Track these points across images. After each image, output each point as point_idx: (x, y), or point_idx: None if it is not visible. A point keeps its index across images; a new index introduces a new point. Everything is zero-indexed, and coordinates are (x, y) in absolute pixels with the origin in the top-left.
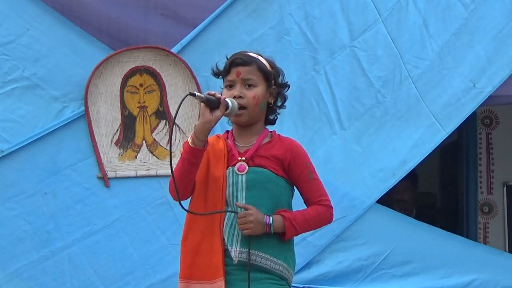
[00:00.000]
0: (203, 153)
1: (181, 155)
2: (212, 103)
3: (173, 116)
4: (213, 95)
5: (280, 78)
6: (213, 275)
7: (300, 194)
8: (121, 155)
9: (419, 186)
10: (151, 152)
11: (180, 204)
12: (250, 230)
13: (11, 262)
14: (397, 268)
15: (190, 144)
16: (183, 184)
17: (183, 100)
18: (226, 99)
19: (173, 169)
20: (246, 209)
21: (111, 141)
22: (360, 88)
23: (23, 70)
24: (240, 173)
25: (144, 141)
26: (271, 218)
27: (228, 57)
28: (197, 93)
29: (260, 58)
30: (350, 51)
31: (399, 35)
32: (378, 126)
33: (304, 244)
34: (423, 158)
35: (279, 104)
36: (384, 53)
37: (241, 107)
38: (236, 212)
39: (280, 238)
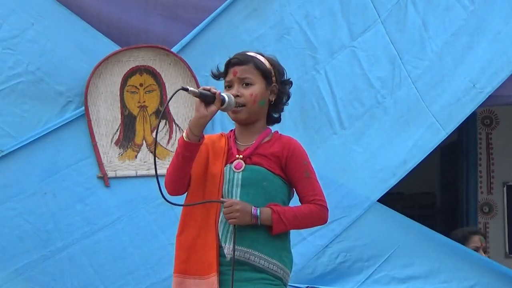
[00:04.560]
0: (198, 148)
1: (176, 149)
2: (207, 98)
3: (165, 106)
4: (208, 90)
5: (282, 76)
6: (207, 271)
7: (296, 192)
8: (121, 154)
9: (419, 186)
10: (151, 152)
11: (163, 196)
12: (236, 220)
13: (11, 262)
14: (398, 271)
15: (185, 139)
16: (178, 178)
17: (174, 93)
18: (222, 94)
19: (168, 164)
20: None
21: (111, 141)
22: (360, 88)
23: (28, 65)
24: (236, 170)
25: (144, 141)
26: (258, 209)
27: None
28: (190, 88)
29: (258, 56)
30: (350, 51)
31: (398, 35)
32: (378, 126)
33: (305, 244)
34: (423, 158)
35: (283, 101)
36: (384, 54)
37: (240, 105)
38: (222, 202)
39: (275, 237)
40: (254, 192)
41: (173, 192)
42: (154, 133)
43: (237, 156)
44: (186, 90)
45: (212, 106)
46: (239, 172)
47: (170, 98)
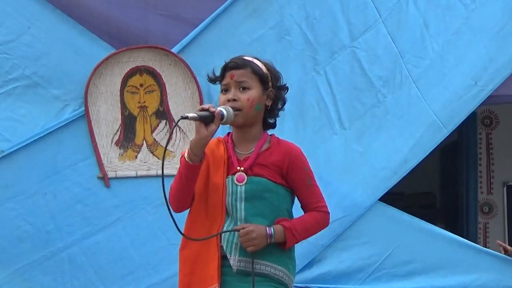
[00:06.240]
0: (199, 168)
1: (179, 169)
2: (207, 119)
3: (170, 132)
4: (207, 110)
5: (278, 81)
6: (209, 282)
7: (298, 199)
8: (121, 155)
9: (419, 186)
10: (152, 152)
11: (175, 223)
12: (254, 247)
13: (11, 262)
14: (399, 268)
15: (187, 160)
16: (182, 196)
17: (176, 124)
18: (220, 110)
19: (171, 182)
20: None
21: (111, 141)
22: (361, 88)
23: (24, 69)
24: (239, 183)
25: (144, 141)
26: (272, 229)
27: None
28: (190, 115)
29: (255, 61)
30: (350, 51)
31: (399, 35)
32: (378, 125)
33: (305, 244)
34: (424, 156)
35: (278, 107)
36: (385, 53)
37: (236, 110)
38: (236, 231)
39: (280, 247)
40: (258, 204)
41: (178, 210)
42: (153, 135)
43: (238, 168)
44: (186, 118)
45: (212, 126)
46: (241, 185)
47: (173, 128)
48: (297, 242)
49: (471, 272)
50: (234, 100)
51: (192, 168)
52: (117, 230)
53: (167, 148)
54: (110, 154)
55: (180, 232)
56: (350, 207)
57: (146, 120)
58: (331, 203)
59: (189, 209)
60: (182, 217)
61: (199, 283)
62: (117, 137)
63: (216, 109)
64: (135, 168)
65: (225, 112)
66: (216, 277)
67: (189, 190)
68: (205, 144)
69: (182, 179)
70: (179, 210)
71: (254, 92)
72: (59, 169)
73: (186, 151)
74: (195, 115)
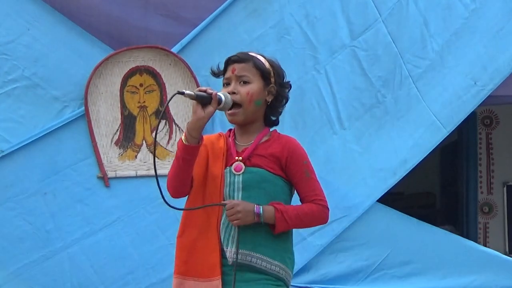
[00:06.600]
0: (198, 150)
1: (176, 153)
2: (204, 99)
3: (163, 109)
4: (205, 91)
5: (281, 78)
6: (210, 274)
7: (297, 192)
8: (121, 155)
9: (419, 186)
10: (151, 152)
11: (165, 201)
12: (239, 221)
13: (11, 262)
14: (397, 269)
15: (184, 142)
16: (181, 181)
17: (171, 98)
18: (218, 94)
19: (170, 167)
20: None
21: (111, 141)
22: (360, 88)
23: (24, 70)
24: (236, 173)
25: (144, 141)
26: (261, 207)
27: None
28: (186, 91)
29: (258, 56)
30: (350, 50)
31: (399, 34)
32: (378, 125)
33: (304, 244)
34: (424, 157)
35: (280, 104)
36: (385, 53)
37: (236, 104)
38: (223, 204)
39: (277, 239)
40: (255, 194)
41: (175, 195)
42: (153, 134)
43: (236, 158)
44: (182, 93)
45: (209, 107)
46: (239, 174)
47: (168, 103)
48: (288, 227)
49: (470, 272)
50: (234, 93)
51: (189, 149)
52: (116, 230)
53: (166, 148)
54: (110, 154)
55: (166, 202)
56: (349, 207)
57: (146, 120)
58: (330, 204)
59: (187, 198)
60: (180, 213)
61: (196, 272)
62: (117, 137)
63: (214, 91)
64: (135, 168)
65: (223, 97)
66: (218, 269)
67: (187, 173)
68: (202, 125)
69: (179, 162)
70: (177, 195)
71: (255, 86)
72: (59, 169)
73: (183, 134)
74: (192, 92)
